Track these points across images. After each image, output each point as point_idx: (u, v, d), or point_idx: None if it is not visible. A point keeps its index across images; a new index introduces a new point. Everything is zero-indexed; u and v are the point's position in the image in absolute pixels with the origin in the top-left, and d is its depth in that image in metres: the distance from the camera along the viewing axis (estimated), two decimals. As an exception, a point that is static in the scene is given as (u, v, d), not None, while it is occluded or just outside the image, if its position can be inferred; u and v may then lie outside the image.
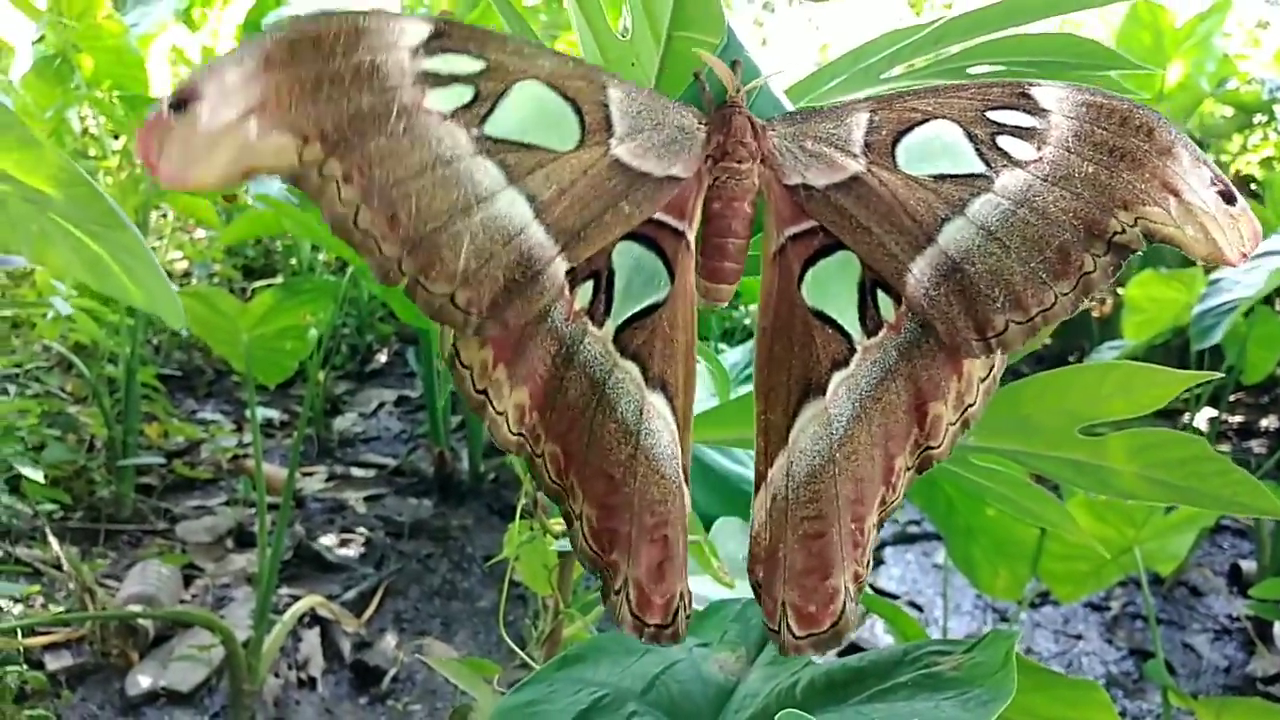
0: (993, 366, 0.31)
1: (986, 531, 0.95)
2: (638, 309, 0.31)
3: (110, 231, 0.55)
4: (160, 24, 2.02)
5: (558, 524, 0.59)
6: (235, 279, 2.08)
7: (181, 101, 0.25)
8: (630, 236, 0.31)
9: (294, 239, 1.89)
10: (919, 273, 0.30)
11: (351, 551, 1.59)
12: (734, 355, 1.27)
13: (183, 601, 1.37)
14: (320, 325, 1.26)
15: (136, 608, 1.22)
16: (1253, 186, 2.19)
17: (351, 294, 2.09)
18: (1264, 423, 2.24)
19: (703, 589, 0.56)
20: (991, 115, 0.30)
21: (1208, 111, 2.26)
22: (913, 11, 2.73)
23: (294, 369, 1.24)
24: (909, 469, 0.31)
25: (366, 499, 1.77)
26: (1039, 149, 0.29)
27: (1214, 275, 1.47)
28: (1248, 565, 1.66)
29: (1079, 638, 1.53)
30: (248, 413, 2.06)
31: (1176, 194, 0.28)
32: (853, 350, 0.31)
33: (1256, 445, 2.15)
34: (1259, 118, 2.21)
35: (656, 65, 0.36)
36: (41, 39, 1.68)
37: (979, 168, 0.29)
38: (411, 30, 0.28)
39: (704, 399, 0.90)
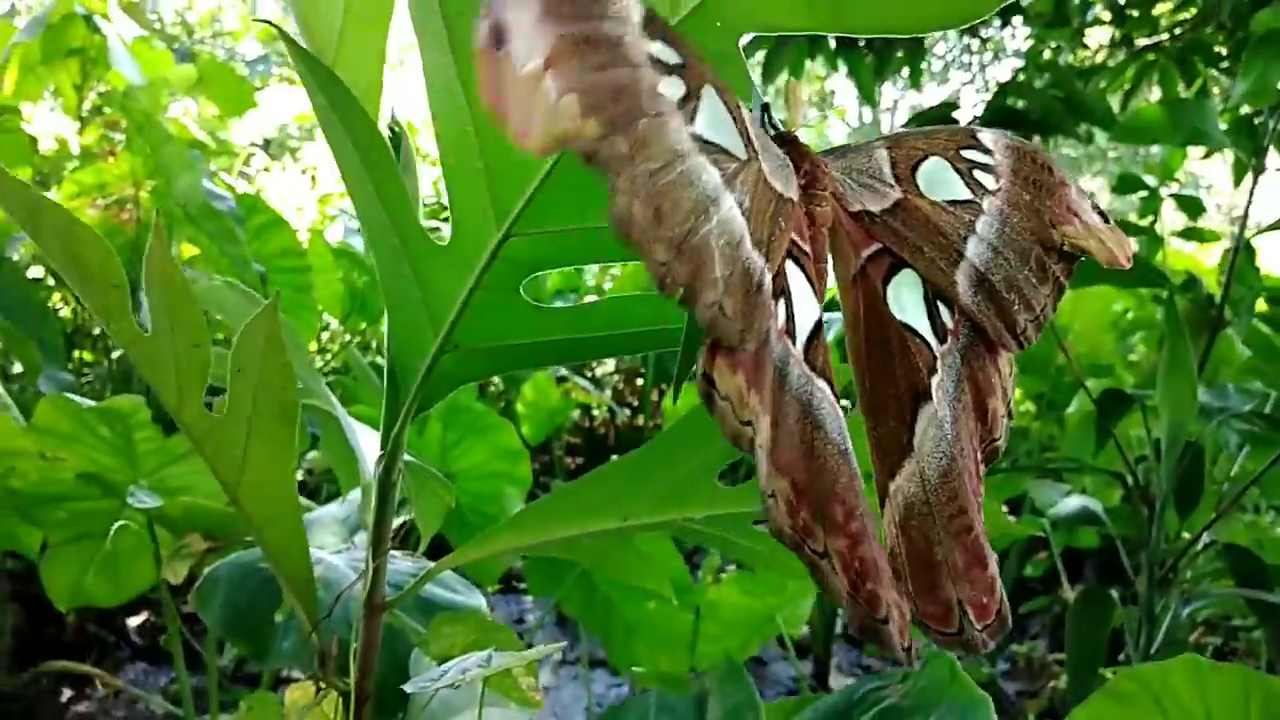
0: (1012, 364, 0.35)
1: (648, 626, 0.99)
2: (810, 327, 0.30)
3: None
4: None
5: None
6: None
7: (497, 36, 0.22)
8: (786, 255, 0.30)
9: None
10: (962, 283, 0.33)
11: None
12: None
13: None
14: None
15: None
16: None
17: None
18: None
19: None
20: (963, 153, 0.34)
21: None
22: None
23: None
24: (981, 464, 0.33)
25: None
26: (997, 181, 0.34)
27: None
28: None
29: None
30: None
31: (1077, 215, 0.35)
32: (935, 357, 0.33)
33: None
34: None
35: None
36: None
37: (970, 195, 0.34)
38: (634, 4, 0.26)
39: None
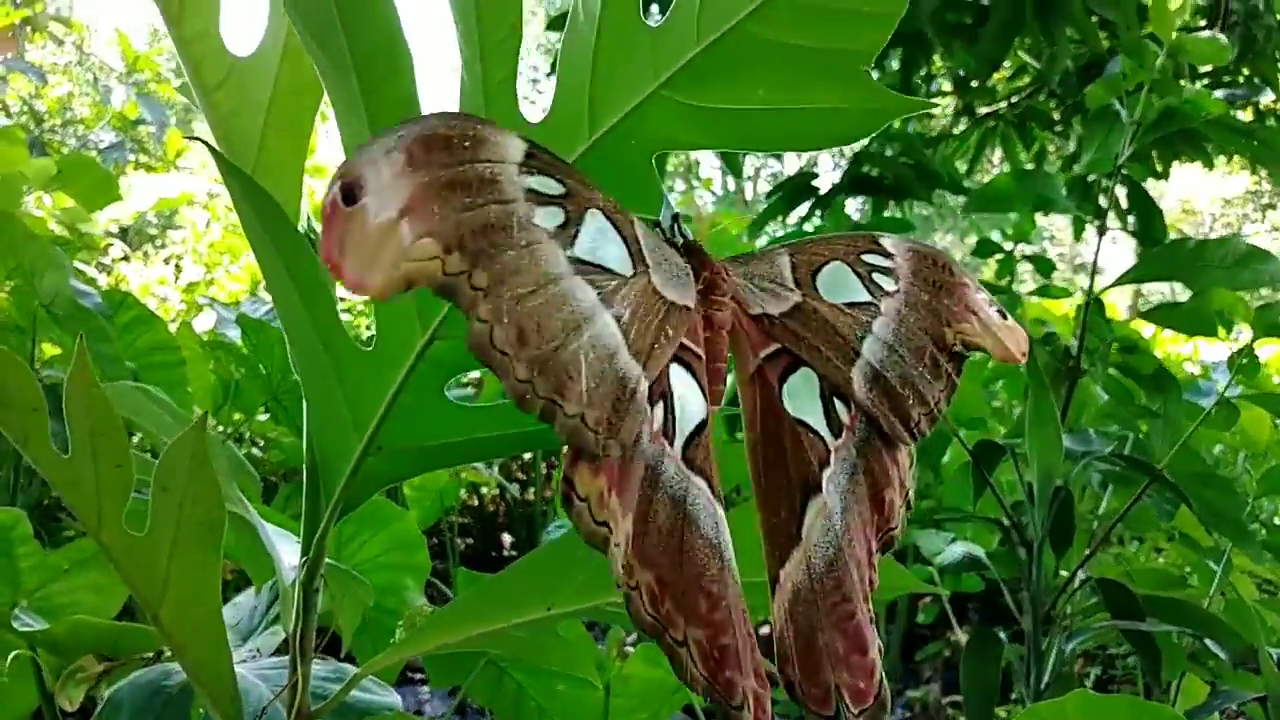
0: (912, 456, 0.36)
1: (561, 707, 0.97)
2: (692, 427, 0.32)
3: None
4: None
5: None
6: None
7: (349, 194, 0.24)
8: (674, 360, 0.32)
9: None
10: (858, 380, 0.35)
11: None
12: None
13: None
14: None
15: None
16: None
17: None
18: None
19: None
20: (864, 258, 0.37)
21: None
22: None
23: None
24: (876, 552, 0.35)
25: None
26: (897, 283, 0.37)
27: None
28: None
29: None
30: None
31: (975, 313, 0.37)
32: (829, 451, 0.35)
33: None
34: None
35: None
36: None
37: (868, 297, 0.36)
38: (514, 146, 0.28)
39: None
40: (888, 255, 0.37)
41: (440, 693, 1.91)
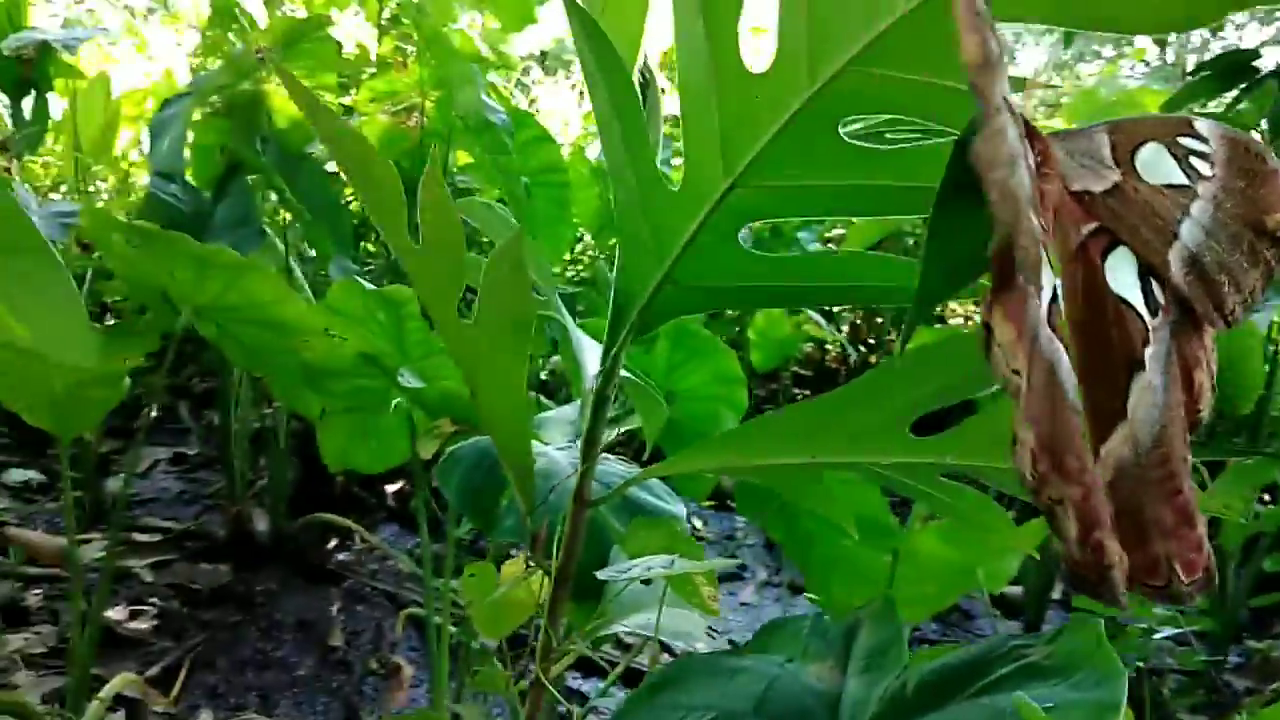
0: (1215, 342, 0.36)
1: (846, 561, 1.02)
2: (1050, 294, 0.32)
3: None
4: None
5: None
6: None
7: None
8: None
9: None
10: (1174, 262, 0.35)
11: (144, 624, 1.44)
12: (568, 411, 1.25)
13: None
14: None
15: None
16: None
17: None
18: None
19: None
20: (1180, 140, 0.36)
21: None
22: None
23: (99, 421, 1.12)
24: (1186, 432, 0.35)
25: (153, 566, 1.60)
26: (1212, 168, 0.36)
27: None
28: (1012, 590, 1.85)
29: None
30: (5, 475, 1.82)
31: None
32: (1148, 330, 0.35)
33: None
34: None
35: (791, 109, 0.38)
36: None
37: (1186, 180, 0.35)
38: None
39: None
40: (1203, 139, 0.36)
41: (755, 525, 2.03)
